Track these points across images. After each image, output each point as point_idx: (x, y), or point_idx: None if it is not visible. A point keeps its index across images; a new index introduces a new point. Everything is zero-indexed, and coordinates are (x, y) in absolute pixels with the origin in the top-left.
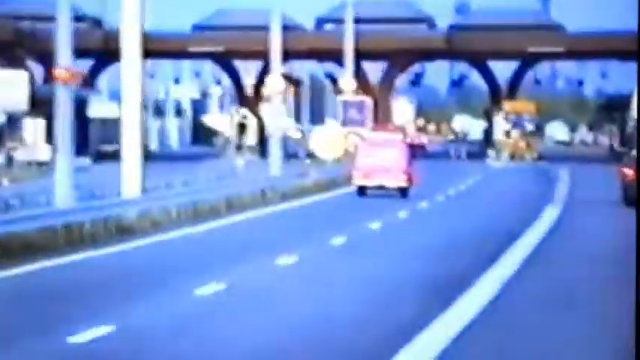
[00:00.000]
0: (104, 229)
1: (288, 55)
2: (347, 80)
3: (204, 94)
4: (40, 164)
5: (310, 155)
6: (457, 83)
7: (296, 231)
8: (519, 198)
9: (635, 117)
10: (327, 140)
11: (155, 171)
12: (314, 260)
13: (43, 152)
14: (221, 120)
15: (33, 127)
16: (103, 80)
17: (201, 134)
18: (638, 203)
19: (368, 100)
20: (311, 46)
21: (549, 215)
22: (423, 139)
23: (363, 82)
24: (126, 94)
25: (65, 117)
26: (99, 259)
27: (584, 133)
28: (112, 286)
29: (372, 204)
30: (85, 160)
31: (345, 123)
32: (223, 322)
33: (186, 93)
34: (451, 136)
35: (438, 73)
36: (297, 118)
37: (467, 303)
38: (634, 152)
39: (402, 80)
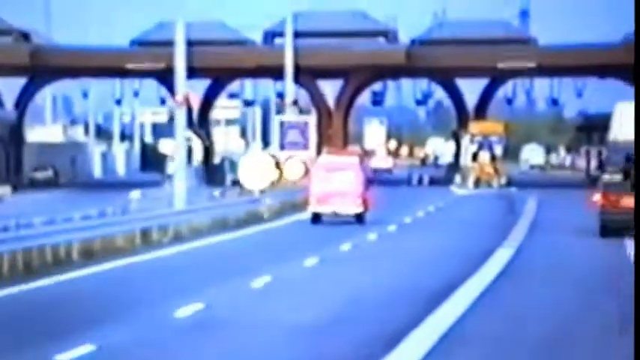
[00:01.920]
0: None
1: (235, 73)
2: (288, 99)
3: (172, 118)
4: None
5: (236, 184)
6: (422, 102)
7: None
8: (464, 240)
9: (613, 139)
10: (254, 168)
11: (64, 202)
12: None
13: None
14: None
15: None
16: (47, 100)
17: (156, 160)
18: (636, 217)
19: (311, 121)
20: (259, 63)
21: (491, 269)
22: (389, 163)
23: (318, 102)
24: None
25: None
26: None
27: (561, 156)
28: None
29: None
30: (6, 189)
31: (283, 146)
32: None
33: (151, 116)
34: (420, 160)
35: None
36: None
37: None
38: (606, 176)
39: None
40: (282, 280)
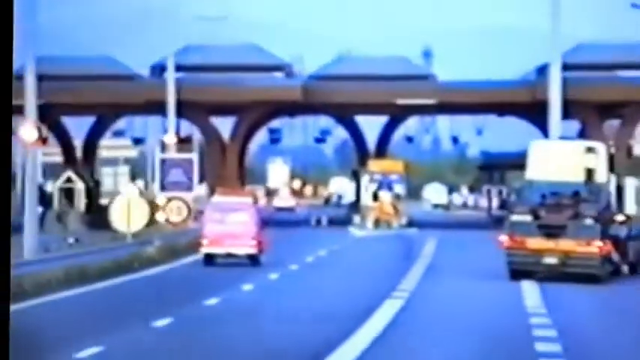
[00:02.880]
0: None
1: (122, 109)
2: (169, 135)
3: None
4: None
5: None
6: (321, 140)
7: None
8: (348, 292)
9: (529, 178)
10: (126, 209)
11: None
12: None
13: None
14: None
15: None
16: None
17: (41, 202)
18: None
19: (195, 159)
20: (147, 98)
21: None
22: (292, 203)
23: (211, 139)
24: None
25: None
26: None
27: (464, 196)
28: None
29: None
30: None
31: (164, 187)
32: None
33: (42, 156)
34: (323, 199)
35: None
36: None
37: None
38: (514, 216)
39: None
40: (115, 350)
